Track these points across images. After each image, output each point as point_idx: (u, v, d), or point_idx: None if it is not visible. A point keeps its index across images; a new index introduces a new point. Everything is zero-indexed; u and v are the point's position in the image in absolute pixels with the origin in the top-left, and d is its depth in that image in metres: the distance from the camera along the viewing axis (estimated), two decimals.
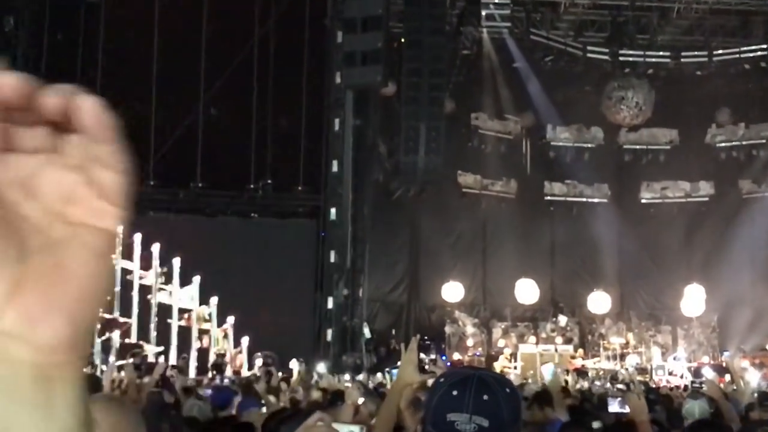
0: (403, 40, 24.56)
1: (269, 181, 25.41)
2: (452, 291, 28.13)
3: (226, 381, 18.05)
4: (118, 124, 0.67)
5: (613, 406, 7.37)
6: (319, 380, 16.34)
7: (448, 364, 21.18)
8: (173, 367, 21.57)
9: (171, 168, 25.00)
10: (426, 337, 25.57)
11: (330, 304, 23.77)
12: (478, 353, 26.95)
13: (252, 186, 25.45)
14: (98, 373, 21.00)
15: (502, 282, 28.75)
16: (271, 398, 10.28)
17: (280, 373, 19.45)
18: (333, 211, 23.95)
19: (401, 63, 24.51)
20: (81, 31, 25.54)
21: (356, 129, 24.56)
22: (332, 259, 23.76)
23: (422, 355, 24.56)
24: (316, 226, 25.13)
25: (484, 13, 26.41)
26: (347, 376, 18.68)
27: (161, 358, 21.61)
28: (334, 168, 23.95)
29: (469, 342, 27.47)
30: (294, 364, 20.74)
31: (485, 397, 2.22)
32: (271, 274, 24.61)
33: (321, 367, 21.21)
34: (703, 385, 16.48)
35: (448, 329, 27.64)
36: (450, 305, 28.22)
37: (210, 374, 21.08)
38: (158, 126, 24.86)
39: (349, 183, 24.17)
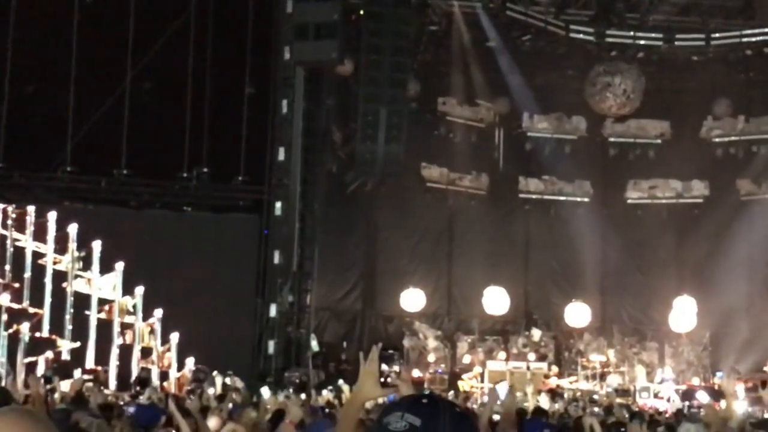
0: (362, 11, 24.33)
1: (205, 170, 25.16)
2: (412, 299, 27.95)
3: (152, 397, 17.72)
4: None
5: None
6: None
7: (390, 400, 20.90)
8: (89, 379, 21.18)
9: (92, 153, 24.63)
10: (389, 349, 25.65)
11: (273, 311, 23.56)
12: (440, 370, 26.86)
13: (185, 175, 25.21)
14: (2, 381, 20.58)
15: (469, 290, 28.62)
16: (212, 422, 10.08)
17: (212, 390, 19.15)
18: (278, 205, 23.74)
19: (360, 38, 24.30)
20: None
21: (307, 112, 24.30)
22: (276, 261, 23.55)
23: (384, 367, 24.44)
24: (258, 222, 24.99)
25: None
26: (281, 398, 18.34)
27: (76, 373, 21.14)
28: (281, 156, 23.76)
29: (431, 357, 27.30)
30: (218, 378, 20.63)
31: (424, 401, 2.40)
32: (205, 276, 24.41)
33: (265, 391, 20.88)
34: (700, 410, 16.42)
35: (407, 342, 27.44)
36: (410, 315, 28.04)
37: (133, 389, 20.70)
38: (77, 106, 24.42)
39: (297, 174, 23.95)
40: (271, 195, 24.01)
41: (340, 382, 21.50)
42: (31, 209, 22.96)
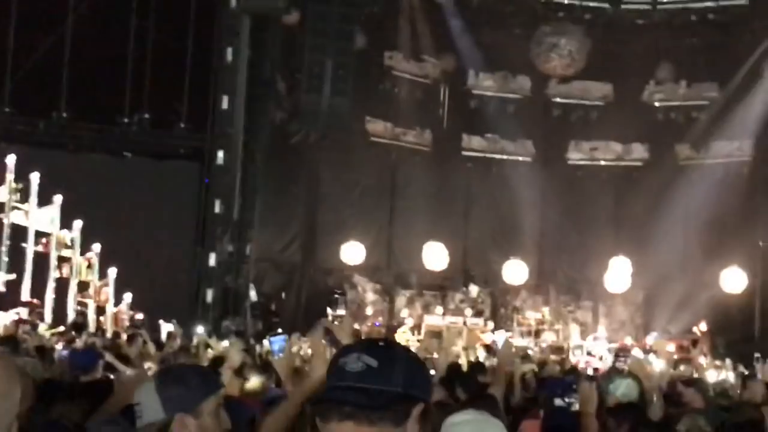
0: None
1: (146, 116, 24.85)
2: (352, 252, 27.98)
3: (88, 340, 17.74)
4: None
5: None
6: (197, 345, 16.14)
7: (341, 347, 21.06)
8: (23, 321, 21.12)
9: (31, 95, 24.29)
10: (337, 292, 26.03)
11: (212, 260, 23.57)
12: (378, 323, 26.97)
13: (126, 120, 24.89)
14: None
15: (409, 245, 28.74)
16: (147, 364, 10.14)
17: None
18: (220, 154, 23.71)
19: None
20: None
21: (252, 61, 24.09)
22: (217, 210, 23.56)
23: (328, 311, 24.66)
24: (199, 170, 24.87)
25: None
26: (226, 343, 18.42)
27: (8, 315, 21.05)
28: (224, 105, 23.65)
29: (369, 310, 27.51)
30: (167, 326, 20.56)
31: (380, 344, 2.37)
32: (145, 223, 24.26)
33: (200, 329, 20.97)
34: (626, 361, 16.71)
35: (347, 296, 27.53)
36: (349, 268, 28.13)
37: (69, 334, 20.64)
38: (17, 46, 24.02)
39: (240, 123, 23.80)
40: (213, 143, 23.90)
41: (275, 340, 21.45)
42: None
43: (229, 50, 23.56)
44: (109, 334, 22.05)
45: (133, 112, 24.67)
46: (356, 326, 26.20)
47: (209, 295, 23.37)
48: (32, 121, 24.52)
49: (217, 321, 22.77)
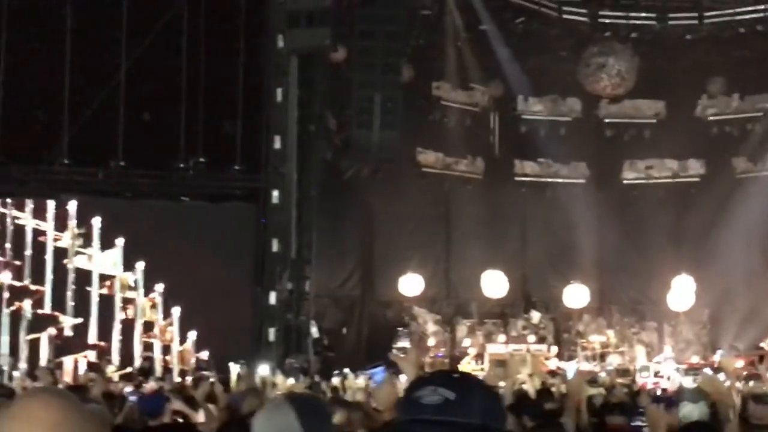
0: None
1: (201, 160, 25.02)
2: (411, 284, 28.00)
3: (155, 385, 17.99)
4: None
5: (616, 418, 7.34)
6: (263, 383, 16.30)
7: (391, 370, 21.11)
8: (91, 365, 21.44)
9: (88, 146, 24.65)
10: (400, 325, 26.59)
11: (272, 299, 23.65)
12: (440, 354, 26.95)
13: (181, 165, 25.11)
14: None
15: (467, 274, 28.70)
16: (210, 406, 10.27)
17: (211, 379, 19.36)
18: (275, 193, 23.81)
19: (352, 24, 24.36)
20: None
21: (301, 100, 24.32)
22: (274, 249, 23.65)
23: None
24: (255, 210, 24.93)
25: None
26: (292, 381, 18.57)
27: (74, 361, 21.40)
28: (276, 144, 23.78)
29: (431, 341, 27.39)
30: (235, 368, 20.69)
31: (456, 376, 2.32)
32: (203, 265, 24.43)
33: (263, 368, 21.11)
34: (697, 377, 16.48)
35: (407, 328, 27.48)
36: (408, 300, 28.09)
37: (136, 379, 20.91)
38: (72, 97, 24.43)
39: (293, 161, 23.97)
40: (267, 183, 23.99)
41: (346, 370, 21.61)
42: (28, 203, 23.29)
43: (279, 90, 23.70)
44: (176, 376, 22.37)
45: (188, 157, 24.90)
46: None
47: (271, 333, 23.42)
48: (90, 171, 24.90)
49: (281, 359, 22.83)
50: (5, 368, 22.11)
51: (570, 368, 20.82)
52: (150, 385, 18.17)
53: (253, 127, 24.63)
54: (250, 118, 24.72)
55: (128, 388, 18.02)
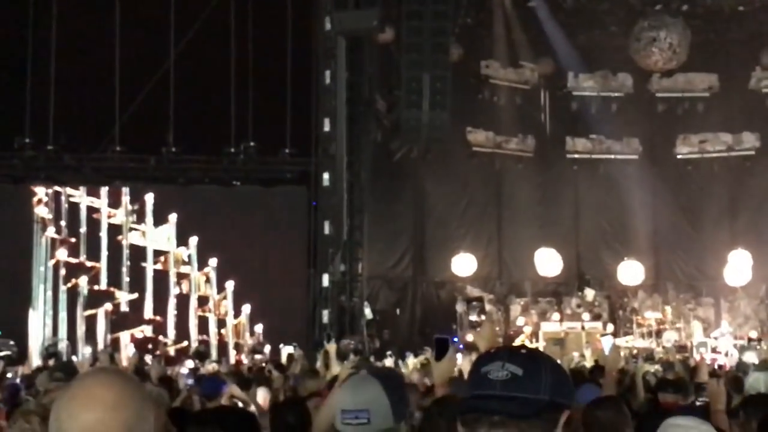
0: None
1: (252, 144, 25.12)
2: (463, 264, 28.10)
3: (211, 367, 18.28)
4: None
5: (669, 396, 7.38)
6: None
7: (461, 347, 21.19)
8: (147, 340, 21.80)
9: (139, 133, 24.88)
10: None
11: (325, 281, 23.70)
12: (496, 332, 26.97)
13: (232, 150, 25.21)
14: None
15: (520, 253, 28.78)
16: (260, 393, 10.43)
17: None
18: (326, 176, 23.85)
19: (400, 4, 24.36)
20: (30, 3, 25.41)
21: (350, 82, 24.35)
22: (326, 231, 23.69)
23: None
24: (306, 193, 25.03)
25: None
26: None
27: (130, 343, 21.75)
28: (326, 127, 23.83)
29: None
30: (287, 349, 20.91)
31: (524, 351, 2.37)
32: (256, 249, 24.70)
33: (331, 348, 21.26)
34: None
35: (459, 307, 27.45)
36: (461, 280, 28.22)
37: (193, 362, 21.21)
38: (123, 85, 24.67)
39: (343, 144, 24.01)
40: (318, 166, 24.06)
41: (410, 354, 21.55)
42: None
43: (327, 73, 23.75)
44: (232, 356, 22.63)
45: (238, 142, 25.08)
46: (472, 338, 26.31)
47: (325, 315, 23.50)
48: (143, 157, 25.16)
49: (336, 339, 23.00)
50: (63, 348, 22.54)
51: (606, 342, 20.69)
52: (206, 368, 18.49)
53: (302, 110, 24.73)
54: (299, 101, 24.83)
55: (184, 370, 18.35)
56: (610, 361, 8.01)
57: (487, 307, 27.66)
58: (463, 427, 2.28)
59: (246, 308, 23.99)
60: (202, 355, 23.03)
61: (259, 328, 24.20)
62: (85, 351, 22.58)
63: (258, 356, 23.00)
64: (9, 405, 7.74)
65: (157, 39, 24.87)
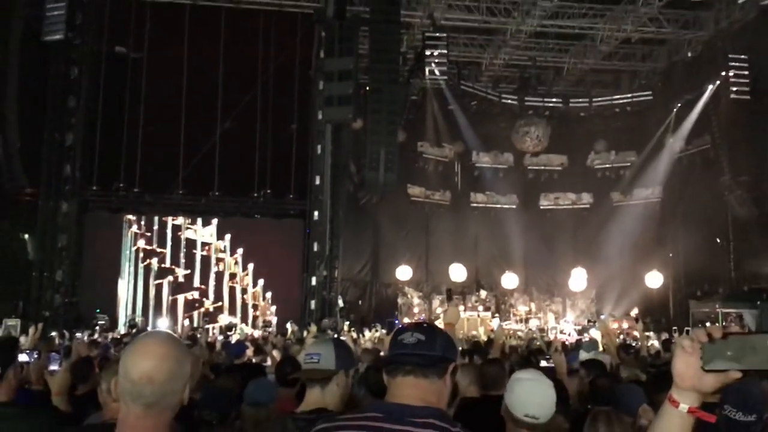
0: (368, 87, 24.29)
1: (268, 191, 25.12)
2: (403, 272, 27.94)
3: (237, 337, 17.93)
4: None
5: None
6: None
7: (400, 326, 20.92)
8: (196, 305, 21.53)
9: (195, 180, 24.73)
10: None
11: (313, 281, 23.53)
12: (421, 318, 26.68)
13: (255, 194, 25.13)
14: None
15: (439, 266, 28.53)
16: (274, 352, 10.17)
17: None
18: (316, 213, 23.66)
19: (366, 104, 24.31)
20: (128, 82, 25.14)
21: (333, 153, 24.23)
22: (315, 249, 23.51)
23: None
24: (303, 224, 24.88)
25: (427, 69, 26.29)
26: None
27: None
28: (317, 181, 23.70)
29: (416, 310, 27.29)
30: (289, 325, 20.80)
31: (425, 325, 2.36)
32: (269, 259, 24.44)
33: (313, 328, 20.98)
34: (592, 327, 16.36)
35: (400, 300, 27.42)
36: (401, 282, 27.99)
37: (224, 334, 20.82)
38: (186, 148, 24.65)
39: (327, 192, 23.85)
40: (311, 207, 23.92)
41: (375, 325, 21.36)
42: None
43: (319, 146, 23.68)
44: (250, 328, 22.23)
45: (260, 189, 24.98)
46: (407, 320, 26.11)
47: (312, 304, 23.33)
48: (196, 198, 24.88)
49: (318, 321, 22.73)
50: (139, 321, 22.00)
51: (495, 324, 20.81)
52: (235, 336, 18.05)
53: (302, 170, 24.67)
54: (300, 164, 24.79)
55: (220, 337, 17.91)
56: (497, 336, 8.02)
57: (417, 300, 27.50)
58: (387, 375, 2.29)
59: (261, 282, 24.13)
60: (231, 327, 22.63)
61: (269, 295, 24.30)
62: (158, 323, 22.27)
63: (269, 329, 22.64)
64: (101, 359, 7.43)
65: (209, 119, 24.71)
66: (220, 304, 23.94)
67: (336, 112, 23.17)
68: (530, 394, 3.20)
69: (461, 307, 26.83)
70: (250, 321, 24.09)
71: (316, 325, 21.39)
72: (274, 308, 24.20)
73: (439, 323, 4.06)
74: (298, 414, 2.93)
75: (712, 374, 1.67)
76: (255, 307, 23.67)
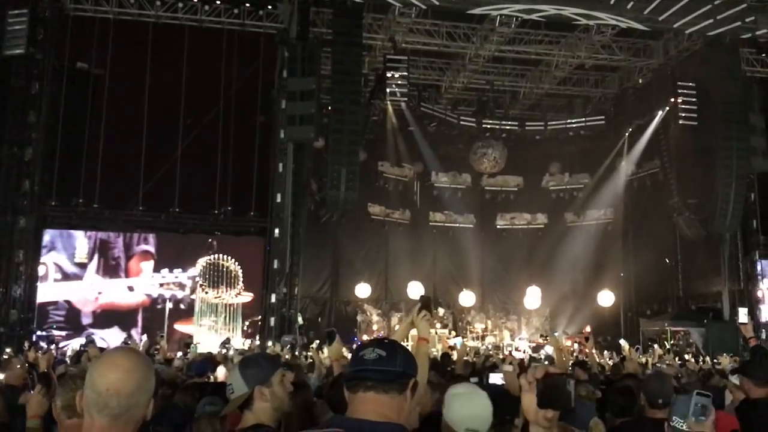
0: (330, 107, 24.29)
1: (229, 208, 24.82)
2: (362, 289, 27.82)
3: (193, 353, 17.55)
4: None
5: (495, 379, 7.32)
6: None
7: (359, 344, 20.88)
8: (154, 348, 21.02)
9: (155, 197, 24.34)
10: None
11: (273, 298, 23.24)
12: (380, 335, 26.52)
13: (216, 211, 24.83)
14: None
15: (398, 283, 28.46)
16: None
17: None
18: (276, 231, 23.42)
19: (328, 124, 24.33)
20: (89, 98, 24.83)
21: (295, 171, 23.99)
22: (275, 266, 23.25)
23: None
24: (264, 242, 24.58)
25: (388, 90, 26.38)
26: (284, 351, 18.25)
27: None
28: (278, 199, 23.47)
29: (375, 327, 27.15)
30: (248, 343, 20.55)
31: (386, 341, 2.33)
32: (229, 275, 24.15)
33: (269, 343, 20.76)
34: (544, 356, 16.65)
35: (359, 318, 27.28)
36: (360, 300, 27.87)
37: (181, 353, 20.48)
38: (146, 165, 24.19)
39: (288, 210, 23.61)
40: (271, 224, 23.66)
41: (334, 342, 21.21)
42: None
43: (281, 165, 23.44)
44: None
45: (220, 206, 24.70)
46: (366, 338, 26.02)
47: (272, 321, 23.07)
48: (156, 214, 24.53)
49: (278, 337, 22.55)
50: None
51: (458, 342, 20.91)
52: (191, 353, 17.73)
53: (263, 188, 24.39)
54: (261, 182, 24.54)
55: (179, 354, 17.60)
56: (460, 353, 8.04)
57: (376, 318, 27.44)
58: (348, 390, 2.26)
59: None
60: (188, 345, 22.23)
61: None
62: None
63: (227, 346, 22.32)
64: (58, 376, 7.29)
65: (171, 136, 24.46)
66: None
67: (298, 131, 23.06)
68: (468, 408, 3.18)
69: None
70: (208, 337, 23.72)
71: (273, 343, 21.32)
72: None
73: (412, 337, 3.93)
74: (237, 431, 2.96)
75: (548, 410, 1.78)
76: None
